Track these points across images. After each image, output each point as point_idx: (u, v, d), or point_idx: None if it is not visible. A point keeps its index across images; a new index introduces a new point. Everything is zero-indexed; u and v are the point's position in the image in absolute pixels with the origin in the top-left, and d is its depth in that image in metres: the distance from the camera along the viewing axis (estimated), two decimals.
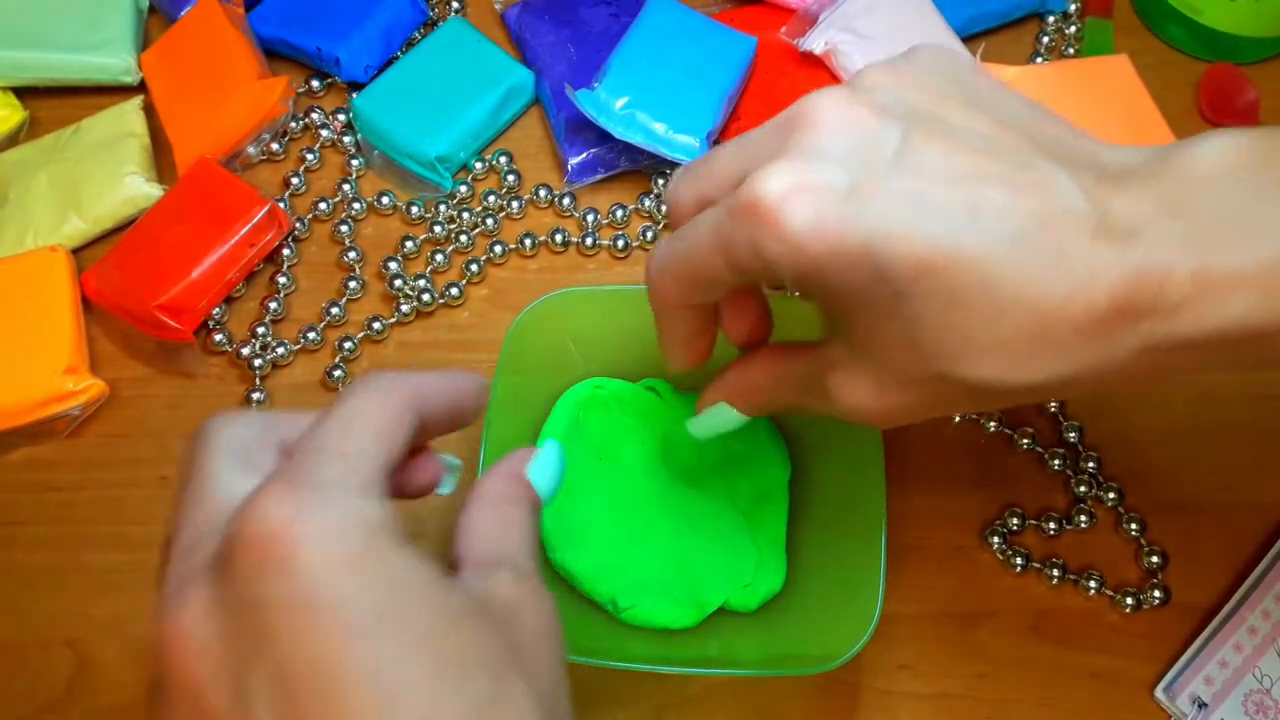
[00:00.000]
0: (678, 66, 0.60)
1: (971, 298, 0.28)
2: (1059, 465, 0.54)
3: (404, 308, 0.58)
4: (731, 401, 0.40)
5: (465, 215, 0.61)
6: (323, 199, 0.61)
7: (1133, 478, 0.54)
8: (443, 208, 0.61)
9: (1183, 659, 0.49)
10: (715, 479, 0.51)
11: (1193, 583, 0.52)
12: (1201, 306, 0.28)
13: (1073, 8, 0.69)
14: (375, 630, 0.24)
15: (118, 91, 0.65)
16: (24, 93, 0.65)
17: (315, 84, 0.65)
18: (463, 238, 0.60)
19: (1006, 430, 0.55)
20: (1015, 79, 0.62)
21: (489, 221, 0.61)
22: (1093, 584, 0.51)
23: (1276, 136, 0.29)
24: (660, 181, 0.61)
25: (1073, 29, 0.69)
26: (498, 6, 0.68)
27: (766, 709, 0.49)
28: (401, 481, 0.31)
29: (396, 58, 0.66)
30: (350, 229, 0.61)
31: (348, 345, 0.57)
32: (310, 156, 0.63)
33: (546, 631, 0.29)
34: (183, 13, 0.65)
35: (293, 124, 0.64)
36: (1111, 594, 0.51)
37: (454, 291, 0.58)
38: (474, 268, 0.59)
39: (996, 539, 0.52)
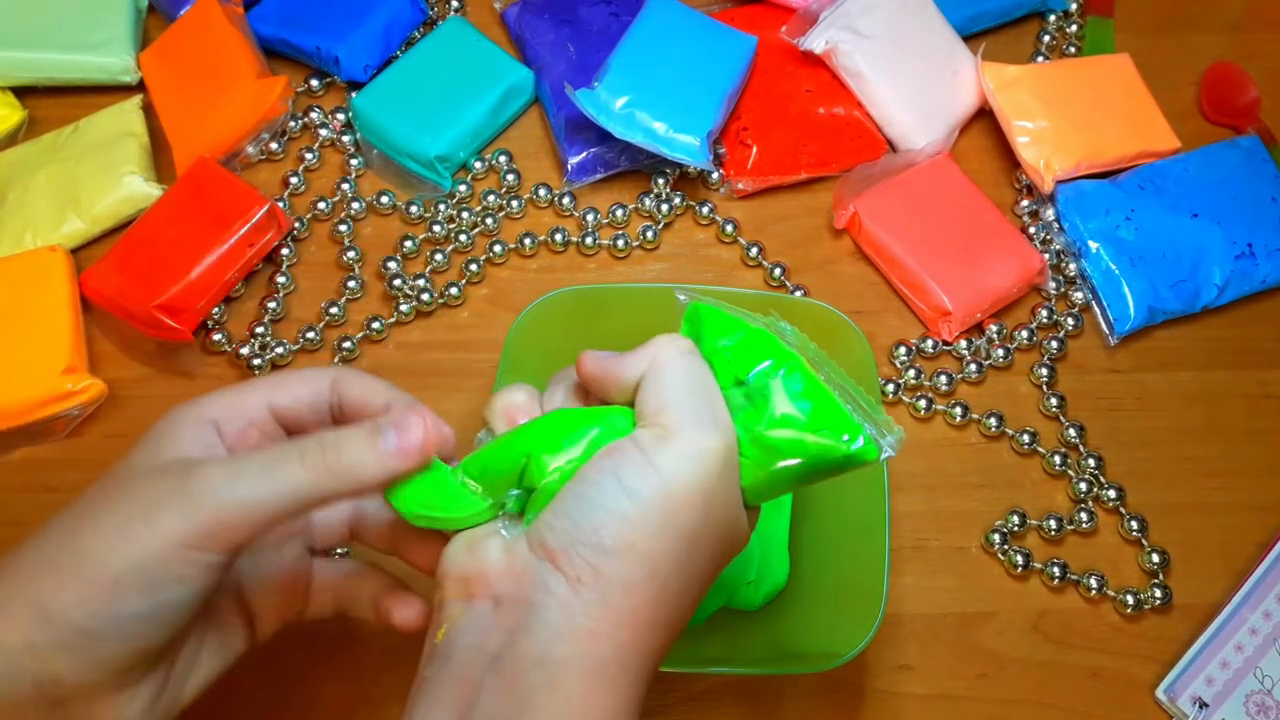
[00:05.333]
0: (678, 66, 0.60)
1: None
2: (1060, 465, 0.54)
3: (403, 307, 0.58)
4: None
5: (465, 215, 0.61)
6: (322, 199, 0.61)
7: (1133, 478, 0.54)
8: (442, 207, 0.61)
9: (1184, 659, 0.49)
10: None
11: (1193, 583, 0.52)
12: None
13: (1074, 6, 0.69)
14: None
15: (117, 91, 0.64)
16: (23, 92, 0.65)
17: (314, 83, 0.65)
18: (462, 237, 0.60)
19: (1008, 431, 0.55)
20: (1016, 78, 0.62)
21: (489, 221, 0.61)
22: (1094, 584, 0.51)
23: None
24: (660, 181, 0.61)
25: (1074, 28, 0.69)
26: (497, 6, 0.68)
27: (769, 708, 0.48)
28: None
29: (396, 57, 0.65)
30: (349, 229, 0.60)
31: (347, 345, 0.57)
32: (309, 156, 0.63)
33: None
34: (181, 12, 0.65)
35: (292, 123, 0.63)
36: (1113, 594, 0.51)
37: (453, 291, 0.58)
38: (473, 267, 0.59)
39: (998, 539, 0.52)
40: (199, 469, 0.31)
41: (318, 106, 0.64)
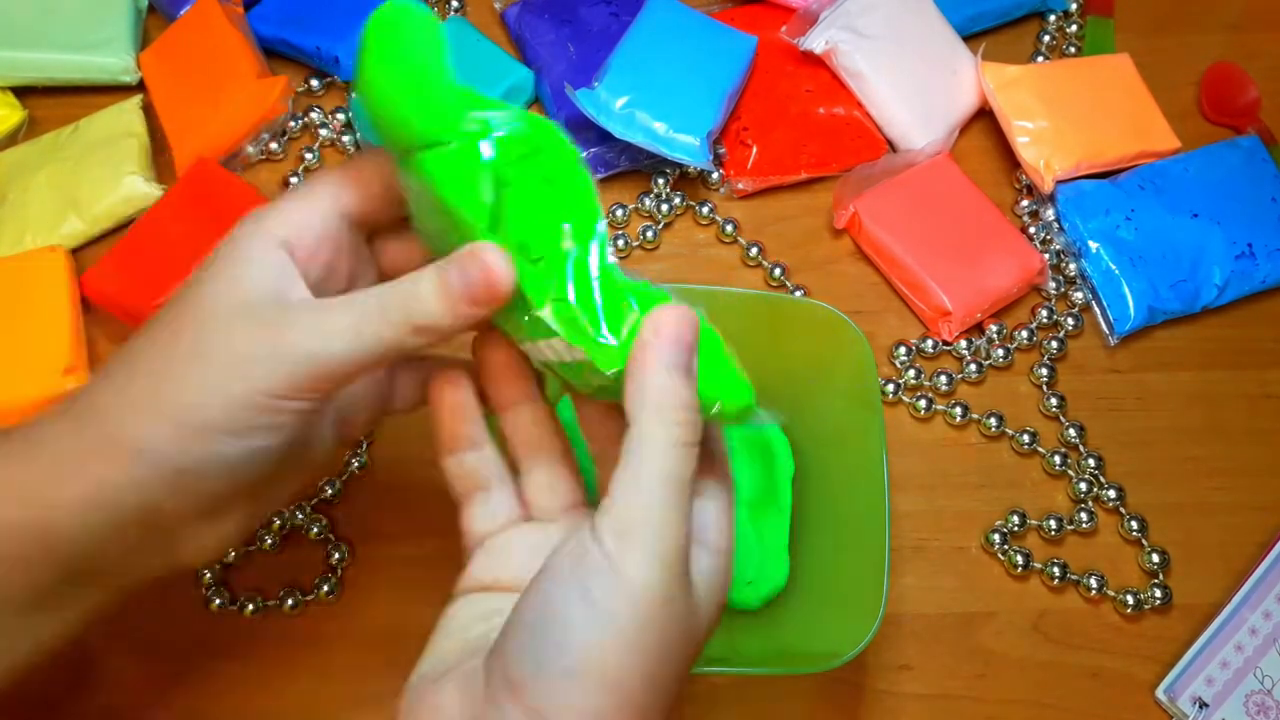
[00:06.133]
0: (678, 66, 0.60)
1: None
2: (1060, 465, 0.54)
3: None
4: None
5: None
6: None
7: (1133, 478, 0.54)
8: None
9: (1184, 659, 0.49)
10: None
11: (1193, 583, 0.52)
12: None
13: (1074, 6, 0.69)
14: None
15: (117, 91, 0.64)
16: (23, 92, 0.64)
17: (314, 83, 0.65)
18: None
19: (1008, 431, 0.55)
20: (1016, 78, 0.62)
21: None
22: (1094, 584, 0.51)
23: None
24: (660, 181, 0.61)
25: (1074, 28, 0.69)
26: (497, 6, 0.68)
27: (768, 708, 0.48)
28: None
29: None
30: None
31: None
32: (310, 156, 0.63)
33: None
34: (181, 12, 0.65)
35: (292, 123, 0.63)
36: (1112, 594, 0.51)
37: None
38: None
39: (998, 539, 0.52)
40: (288, 328, 0.31)
41: (318, 106, 0.64)
